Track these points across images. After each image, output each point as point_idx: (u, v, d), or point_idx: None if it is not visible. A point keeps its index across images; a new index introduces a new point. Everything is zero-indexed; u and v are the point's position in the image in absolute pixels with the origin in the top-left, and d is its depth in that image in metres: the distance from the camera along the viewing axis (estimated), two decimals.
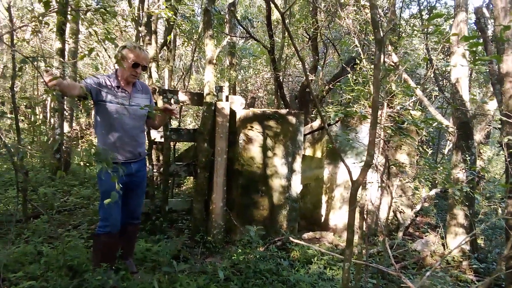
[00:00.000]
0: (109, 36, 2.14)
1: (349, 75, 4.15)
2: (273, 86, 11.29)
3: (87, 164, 1.93)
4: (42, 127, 9.09)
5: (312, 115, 7.85)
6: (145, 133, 3.16)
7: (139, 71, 2.84)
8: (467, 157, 4.19)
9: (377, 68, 1.30)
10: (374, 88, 1.29)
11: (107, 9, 2.62)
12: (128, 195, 3.01)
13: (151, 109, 2.67)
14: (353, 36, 4.89)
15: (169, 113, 3.09)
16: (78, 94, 2.47)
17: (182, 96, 4.26)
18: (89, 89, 2.61)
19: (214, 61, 4.11)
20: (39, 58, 1.93)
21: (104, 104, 2.73)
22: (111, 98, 2.75)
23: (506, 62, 2.99)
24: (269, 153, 4.33)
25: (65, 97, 2.44)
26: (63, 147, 6.49)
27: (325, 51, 10.80)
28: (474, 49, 1.49)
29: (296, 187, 4.45)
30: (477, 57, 1.59)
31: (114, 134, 2.79)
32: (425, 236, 5.03)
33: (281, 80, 9.35)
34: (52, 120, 8.33)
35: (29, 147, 7.58)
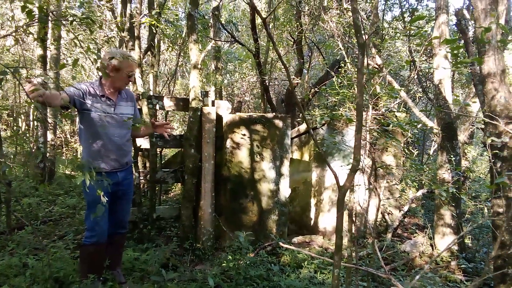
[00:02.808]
0: (91, 49, 2.10)
1: (334, 79, 4.17)
2: (259, 90, 11.29)
3: (71, 177, 1.88)
4: (25, 136, 8.90)
5: (299, 119, 7.87)
6: (131, 141, 3.13)
7: (132, 79, 2.88)
8: (452, 157, 4.25)
9: (360, 72, 1.30)
10: (357, 92, 1.29)
11: (92, 18, 2.61)
12: (115, 203, 2.96)
13: (139, 121, 2.69)
14: (337, 39, 4.93)
15: (157, 130, 3.18)
16: (61, 105, 2.45)
17: (168, 102, 4.22)
18: (73, 99, 2.57)
19: (199, 66, 4.09)
20: (20, 67, 1.88)
21: (89, 113, 2.69)
22: (95, 107, 2.70)
23: (487, 63, 3.03)
24: (257, 158, 4.31)
25: (47, 107, 2.41)
26: (47, 155, 6.37)
27: (310, 54, 10.85)
28: (456, 52, 1.51)
29: (285, 191, 4.44)
30: (458, 60, 1.60)
31: (99, 143, 2.75)
32: (414, 237, 5.07)
33: (267, 83, 9.35)
34: (35, 129, 8.18)
35: (11, 157, 7.41)
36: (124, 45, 4.20)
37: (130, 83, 2.99)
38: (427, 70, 8.39)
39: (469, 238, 4.84)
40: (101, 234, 2.82)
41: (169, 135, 4.55)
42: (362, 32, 1.27)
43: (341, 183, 1.58)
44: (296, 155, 5.81)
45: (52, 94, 2.35)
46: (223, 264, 3.48)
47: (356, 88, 3.99)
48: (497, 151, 2.44)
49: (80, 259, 2.92)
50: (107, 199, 2.52)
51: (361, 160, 3.52)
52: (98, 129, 2.72)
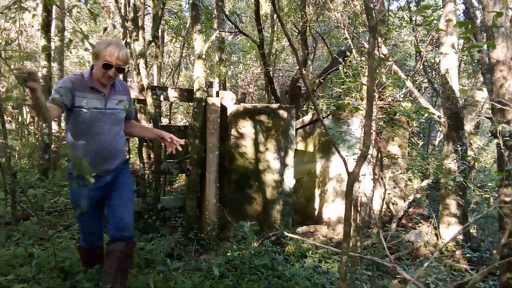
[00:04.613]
0: (81, 31, 2.04)
1: (340, 67, 4.13)
2: (263, 82, 11.25)
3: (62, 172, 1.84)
4: (30, 127, 8.94)
5: (303, 109, 7.83)
6: (124, 139, 2.65)
7: (112, 73, 2.33)
8: (458, 147, 4.21)
9: (371, 56, 1.27)
10: (368, 77, 1.27)
11: (95, 9, 2.52)
12: (110, 199, 2.54)
13: (129, 111, 2.52)
14: (343, 28, 4.87)
15: (165, 142, 2.64)
16: (55, 118, 2.24)
17: (172, 93, 4.20)
18: (64, 107, 2.26)
19: (203, 56, 4.06)
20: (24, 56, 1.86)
21: (78, 110, 2.32)
22: (84, 102, 2.33)
23: (496, 52, 2.99)
24: (261, 148, 4.30)
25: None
26: (52, 147, 6.39)
27: (314, 45, 10.77)
28: (468, 35, 1.47)
29: (289, 182, 4.43)
30: (470, 44, 1.57)
31: (87, 143, 2.37)
32: (418, 227, 5.06)
33: (271, 75, 9.31)
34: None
35: (17, 148, 7.45)
36: (128, 35, 4.17)
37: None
38: (433, 60, 8.31)
39: (474, 227, 4.82)
40: (92, 240, 2.65)
41: (173, 126, 4.54)
42: (373, 14, 1.24)
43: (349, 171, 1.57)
44: (300, 146, 5.79)
45: (50, 114, 2.09)
46: (227, 254, 3.49)
47: (362, 76, 3.96)
48: (507, 138, 2.41)
49: (80, 257, 2.83)
50: (89, 206, 2.40)
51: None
52: (86, 126, 2.35)
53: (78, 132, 2.37)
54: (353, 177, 1.45)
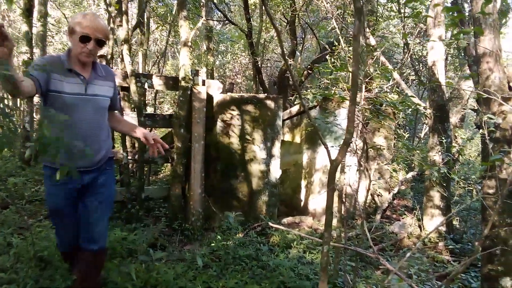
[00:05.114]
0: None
1: (327, 57, 4.10)
2: (252, 72, 11.16)
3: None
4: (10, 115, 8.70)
5: (290, 98, 7.80)
6: (109, 132, 2.37)
7: (91, 46, 2.05)
8: (443, 139, 4.24)
9: (356, 39, 1.23)
10: (353, 61, 1.23)
11: None
12: (86, 206, 2.27)
13: (114, 99, 2.28)
14: (331, 18, 4.83)
15: (149, 144, 2.35)
16: (28, 94, 1.91)
17: (157, 81, 4.11)
18: (39, 86, 1.97)
19: (189, 44, 3.98)
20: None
21: (54, 95, 2.04)
22: (61, 86, 2.06)
23: (483, 43, 2.99)
24: (248, 138, 4.26)
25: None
26: (34, 135, 6.24)
27: (303, 36, 10.71)
28: (456, 21, 1.45)
29: (275, 172, 4.41)
30: (459, 30, 1.55)
31: (65, 135, 2.05)
32: (402, 218, 5.11)
33: (260, 65, 9.23)
34: (22, 107, 8.00)
35: None
36: (111, 21, 4.05)
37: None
38: (420, 53, 8.34)
39: (457, 220, 4.89)
40: (66, 245, 2.38)
41: (158, 115, 4.45)
42: None
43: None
44: (287, 137, 5.77)
45: (25, 86, 1.82)
46: (212, 244, 3.46)
47: (350, 66, 3.93)
48: (493, 129, 2.42)
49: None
50: (66, 205, 2.20)
51: (353, 140, 3.48)
52: (62, 113, 1.94)
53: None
54: (335, 165, 1.41)
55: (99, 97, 2.21)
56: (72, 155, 2.01)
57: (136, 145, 4.22)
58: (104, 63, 3.93)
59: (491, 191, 2.78)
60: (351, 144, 3.52)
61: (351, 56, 4.04)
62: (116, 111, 2.52)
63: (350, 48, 4.35)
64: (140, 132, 2.41)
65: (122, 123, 2.54)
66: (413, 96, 4.00)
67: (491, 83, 2.91)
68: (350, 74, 3.95)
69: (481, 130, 2.39)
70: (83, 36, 2.01)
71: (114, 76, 2.40)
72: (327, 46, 6.03)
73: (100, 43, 2.09)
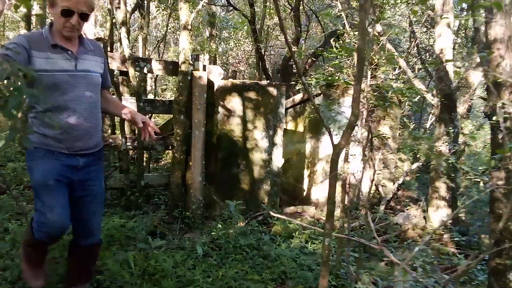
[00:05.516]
0: None
1: (332, 43, 3.98)
2: (255, 59, 11.00)
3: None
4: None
5: (293, 83, 7.66)
6: (100, 113, 2.19)
7: (74, 21, 1.87)
8: (450, 129, 4.13)
9: (362, 9, 1.13)
10: (359, 34, 1.13)
11: None
12: (77, 204, 2.13)
13: (105, 76, 2.13)
14: (336, 2, 4.69)
15: (140, 128, 2.19)
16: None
17: (156, 65, 4.01)
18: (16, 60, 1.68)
19: (189, 27, 3.86)
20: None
21: (41, 75, 1.85)
22: (47, 64, 1.90)
23: (494, 29, 2.87)
24: (249, 126, 4.17)
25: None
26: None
27: (308, 23, 10.52)
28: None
29: (278, 161, 4.33)
30: (475, 4, 1.45)
31: (55, 114, 1.93)
32: (407, 209, 5.03)
33: (263, 52, 9.09)
34: None
35: None
36: (109, 2, 3.94)
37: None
38: (427, 42, 8.17)
39: (462, 211, 4.81)
40: (55, 225, 1.97)
41: (158, 100, 4.36)
42: None
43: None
44: (290, 126, 5.68)
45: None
46: (212, 233, 3.41)
47: (355, 52, 3.81)
48: (506, 116, 2.32)
49: (23, 250, 2.28)
50: (57, 183, 1.97)
51: (357, 129, 3.39)
52: (54, 94, 1.91)
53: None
54: (338, 150, 1.33)
55: (92, 73, 2.06)
56: (67, 140, 1.96)
57: (136, 131, 4.13)
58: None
59: (500, 182, 2.69)
60: (355, 130, 3.43)
61: (356, 43, 3.92)
62: (106, 90, 2.35)
63: (356, 33, 4.23)
64: (128, 112, 2.25)
65: (110, 102, 2.34)
66: (418, 88, 3.89)
67: (501, 71, 2.80)
68: (355, 60, 3.84)
69: (493, 118, 2.28)
70: (64, 10, 1.83)
71: (102, 51, 2.24)
72: (332, 33, 5.88)
73: (84, 17, 1.92)
